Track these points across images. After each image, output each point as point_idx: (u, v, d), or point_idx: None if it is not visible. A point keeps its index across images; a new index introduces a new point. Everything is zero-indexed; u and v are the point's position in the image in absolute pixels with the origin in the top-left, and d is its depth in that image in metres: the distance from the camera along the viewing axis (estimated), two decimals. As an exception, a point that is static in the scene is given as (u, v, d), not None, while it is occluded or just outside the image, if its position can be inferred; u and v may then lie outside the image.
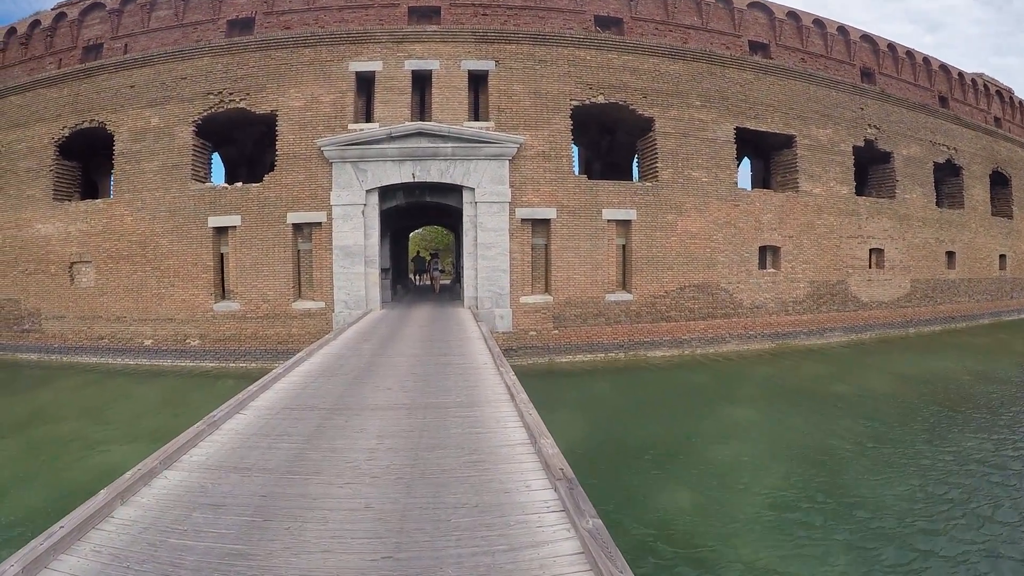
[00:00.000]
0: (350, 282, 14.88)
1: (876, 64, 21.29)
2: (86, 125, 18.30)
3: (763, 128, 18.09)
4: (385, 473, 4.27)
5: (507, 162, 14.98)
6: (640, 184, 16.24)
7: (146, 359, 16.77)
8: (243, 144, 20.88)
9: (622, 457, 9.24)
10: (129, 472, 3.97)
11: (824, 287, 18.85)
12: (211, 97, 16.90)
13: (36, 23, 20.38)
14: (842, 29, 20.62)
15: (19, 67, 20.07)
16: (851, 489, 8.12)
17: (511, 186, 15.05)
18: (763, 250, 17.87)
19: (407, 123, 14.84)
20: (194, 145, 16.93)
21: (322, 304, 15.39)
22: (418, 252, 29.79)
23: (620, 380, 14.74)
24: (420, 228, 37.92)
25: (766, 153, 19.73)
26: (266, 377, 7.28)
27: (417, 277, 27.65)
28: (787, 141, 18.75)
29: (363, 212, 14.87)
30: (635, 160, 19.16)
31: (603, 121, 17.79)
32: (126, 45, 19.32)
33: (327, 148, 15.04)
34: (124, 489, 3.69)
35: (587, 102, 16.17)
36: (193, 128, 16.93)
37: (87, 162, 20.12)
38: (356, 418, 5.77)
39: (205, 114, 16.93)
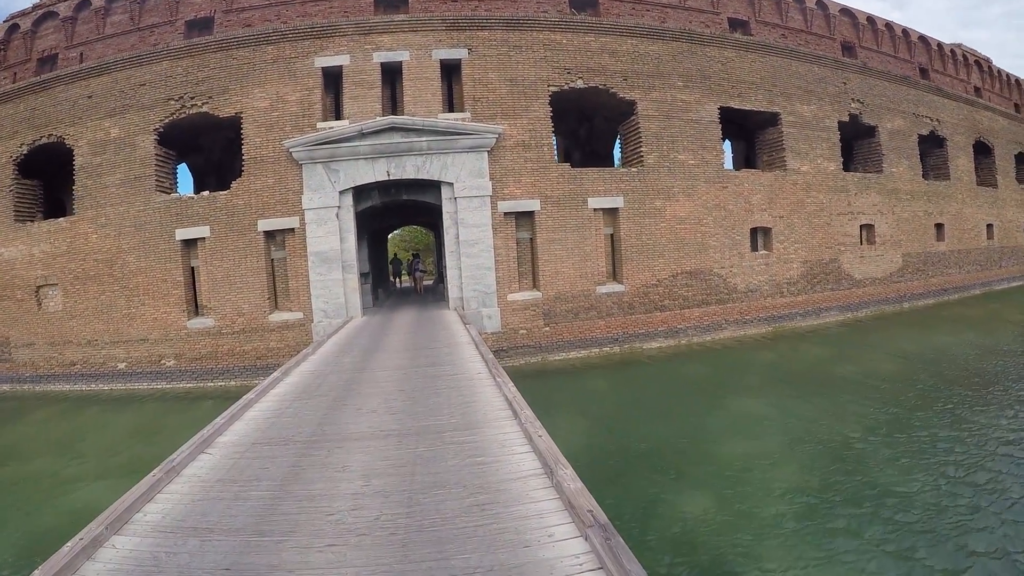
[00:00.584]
0: (328, 289, 13.77)
1: (856, 38, 20.44)
2: (44, 140, 17.01)
3: (747, 107, 17.17)
4: (374, 528, 3.40)
5: (486, 154, 13.92)
6: (625, 170, 15.25)
7: (121, 383, 15.58)
8: (210, 151, 19.60)
9: (628, 461, 8.30)
10: (68, 544, 3.11)
11: (817, 266, 18.00)
12: (172, 103, 15.68)
13: (-15, 36, 18.94)
14: (821, 3, 19.73)
15: (-31, 83, 18.64)
16: (877, 483, 7.21)
17: (492, 179, 14.00)
18: (754, 232, 16.97)
19: (379, 118, 13.73)
20: (157, 155, 15.71)
21: (300, 315, 14.27)
22: (395, 255, 28.38)
23: (617, 376, 13.80)
24: (399, 229, 36.55)
25: (750, 133, 18.84)
26: (237, 405, 6.27)
27: (398, 280, 26.42)
28: (772, 119, 17.85)
29: (337, 215, 13.76)
30: (617, 147, 18.16)
31: (582, 107, 16.76)
32: (81, 54, 18.01)
33: (295, 149, 13.88)
34: (61, 568, 2.84)
35: (566, 87, 15.13)
36: (155, 137, 15.70)
37: (50, 180, 18.77)
38: (337, 451, 4.83)
39: (167, 121, 15.72)
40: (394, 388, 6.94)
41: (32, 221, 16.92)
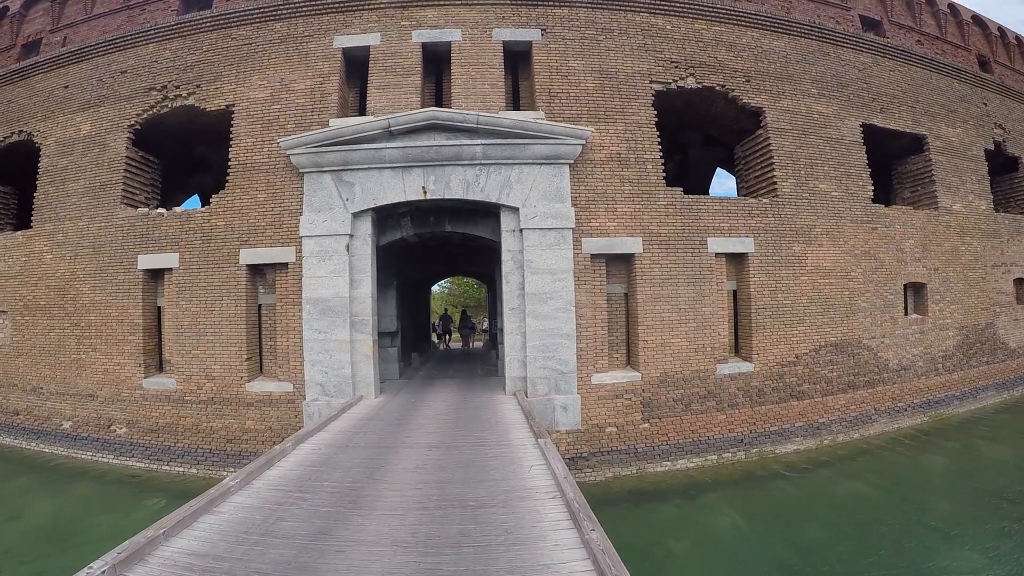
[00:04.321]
0: (328, 355, 7.81)
1: (991, 51, 14.31)
2: (15, 138, 11.52)
3: (891, 125, 11.08)
4: None
5: (567, 168, 7.97)
6: (756, 201, 9.14)
7: (63, 447, 9.83)
8: (222, 169, 13.99)
9: None
10: None
11: (973, 334, 11.62)
12: (153, 94, 10.09)
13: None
14: (952, 8, 13.65)
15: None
16: None
17: (574, 205, 7.98)
18: (905, 289, 10.66)
19: (414, 112, 7.83)
20: (129, 158, 10.13)
21: (289, 386, 8.31)
22: (446, 310, 21.72)
23: (749, 502, 7.61)
24: (444, 281, 26.05)
25: (883, 162, 12.62)
26: None
27: (446, 339, 19.40)
28: (915, 144, 11.72)
29: (347, 247, 7.87)
30: (730, 176, 12.08)
31: (688, 120, 10.77)
32: (65, 37, 12.59)
33: (296, 152, 8.09)
34: None
35: (673, 85, 9.19)
36: (129, 135, 10.14)
37: (30, 187, 13.26)
38: None
39: (145, 116, 10.15)
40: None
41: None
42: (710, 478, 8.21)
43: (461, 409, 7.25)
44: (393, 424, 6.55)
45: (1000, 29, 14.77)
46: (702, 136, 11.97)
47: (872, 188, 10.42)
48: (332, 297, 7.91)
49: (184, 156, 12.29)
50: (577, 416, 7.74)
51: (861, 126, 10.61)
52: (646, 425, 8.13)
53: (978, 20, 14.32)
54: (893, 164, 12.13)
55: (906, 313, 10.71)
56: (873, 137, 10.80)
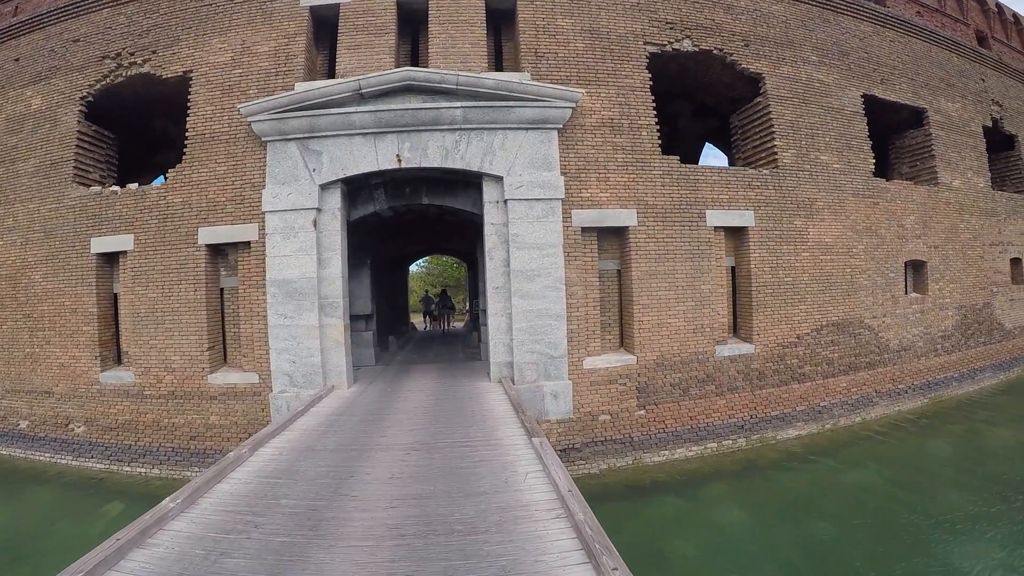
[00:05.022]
0: (296, 341, 6.86)
1: (988, 27, 13.53)
2: None
3: (891, 97, 10.29)
4: None
5: (555, 134, 7.03)
6: (756, 172, 8.29)
7: (21, 449, 8.81)
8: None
9: None
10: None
11: (971, 313, 10.98)
12: (107, 62, 8.95)
13: None
14: (951, -19, 12.83)
15: None
16: None
17: (564, 173, 7.06)
18: (905, 267, 9.94)
19: (388, 72, 6.81)
20: (81, 132, 9.00)
21: (255, 377, 7.36)
22: (427, 291, 20.58)
23: (755, 494, 6.93)
24: (422, 260, 24.57)
25: (880, 136, 11.83)
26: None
27: (428, 320, 18.30)
28: (915, 118, 10.96)
29: (315, 222, 6.88)
30: (717, 152, 11.22)
31: (679, 86, 9.82)
32: (16, 7, 11.23)
33: (257, 118, 7.06)
34: None
35: (668, 47, 8.26)
36: (81, 108, 9.02)
37: None
38: None
39: (98, 87, 9.02)
40: None
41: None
42: (710, 468, 7.44)
43: (443, 400, 6.36)
44: (367, 420, 5.65)
45: (998, 5, 14.02)
46: (692, 106, 11.07)
47: (874, 161, 9.63)
48: (299, 278, 6.94)
49: (144, 132, 11.11)
50: (569, 404, 6.90)
51: (862, 96, 9.80)
52: (642, 412, 7.32)
53: (974, -7, 13.53)
54: (891, 138, 11.36)
55: (906, 292, 9.99)
56: (870, 110, 10.00)
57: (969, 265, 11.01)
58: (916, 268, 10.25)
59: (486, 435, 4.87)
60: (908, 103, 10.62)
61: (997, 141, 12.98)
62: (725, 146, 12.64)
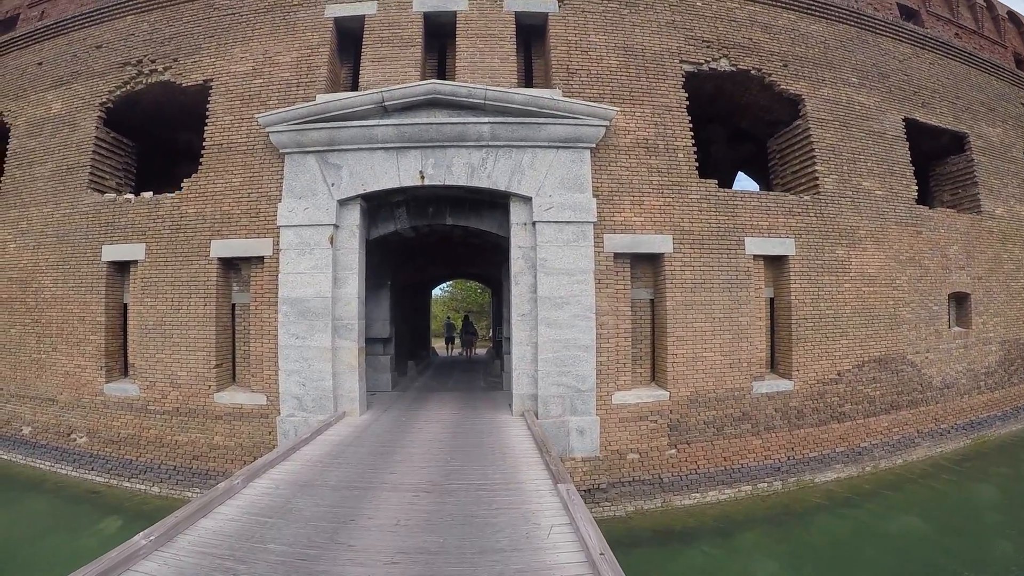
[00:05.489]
0: (306, 363, 6.33)
1: (1027, 51, 12.82)
2: None
3: (933, 121, 9.64)
4: None
5: (587, 153, 6.50)
6: (797, 198, 7.68)
7: (22, 455, 8.42)
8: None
9: None
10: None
11: (1015, 349, 10.19)
12: (128, 69, 8.64)
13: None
14: (988, 1, 12.19)
15: None
16: None
17: (596, 196, 6.48)
18: (949, 299, 9.20)
19: (412, 85, 6.33)
20: (98, 139, 8.70)
21: (263, 398, 6.83)
22: (449, 317, 19.88)
23: (793, 543, 6.25)
24: (445, 284, 23.39)
25: (919, 163, 11.14)
26: None
27: (450, 347, 17.70)
28: (955, 144, 10.29)
29: (331, 239, 6.37)
30: (750, 181, 10.62)
31: (713, 110, 9.26)
32: (43, 12, 11.07)
33: (276, 129, 6.61)
34: None
35: (705, 67, 7.73)
36: (100, 113, 8.73)
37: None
38: None
39: (118, 93, 8.72)
40: None
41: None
42: (744, 513, 6.74)
43: (460, 433, 5.77)
44: (376, 452, 5.07)
45: (1032, 27, 13.32)
46: (727, 132, 10.49)
47: (916, 188, 8.97)
48: (312, 297, 6.42)
49: (167, 143, 10.78)
50: (595, 441, 6.27)
51: (903, 120, 9.16)
52: (673, 451, 6.65)
53: (1013, 17, 12.89)
54: (931, 165, 10.67)
55: (949, 326, 9.24)
56: (909, 136, 9.35)
57: (1012, 298, 10.24)
58: (959, 301, 9.51)
59: (506, 477, 4.28)
60: (949, 127, 9.96)
61: (1037, 168, 12.22)
62: (759, 174, 12.04)
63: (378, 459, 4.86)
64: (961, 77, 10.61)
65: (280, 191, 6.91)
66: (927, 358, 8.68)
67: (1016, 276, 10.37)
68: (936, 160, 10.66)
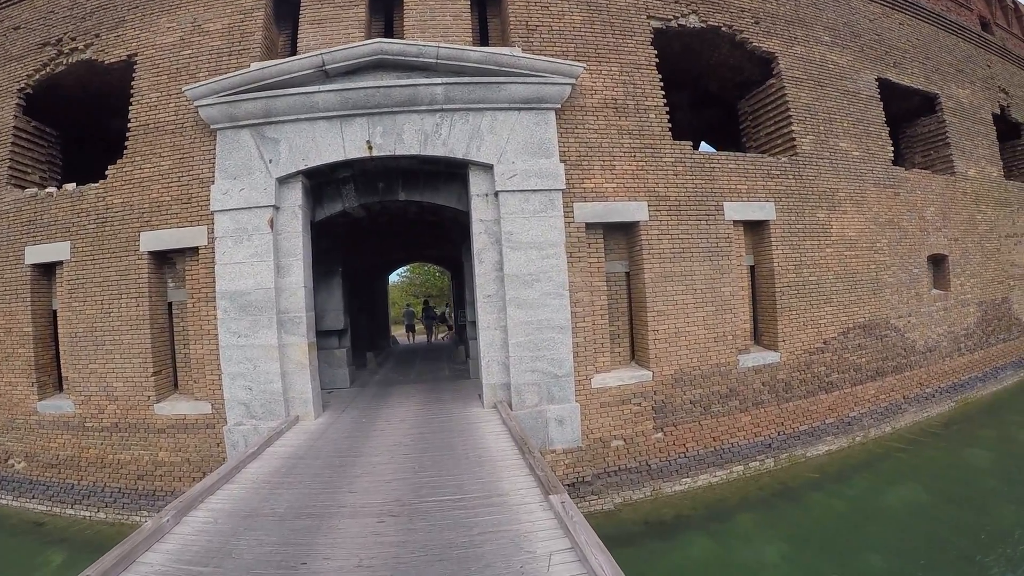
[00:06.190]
0: (252, 364, 5.42)
1: (990, 13, 12.41)
2: None
3: (905, 81, 9.12)
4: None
5: (552, 114, 5.66)
6: (775, 160, 7.02)
7: (-43, 486, 7.09)
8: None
9: None
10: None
11: (991, 309, 9.83)
12: (47, 49, 7.46)
13: None
14: (953, -35, 11.69)
15: None
16: None
17: (564, 160, 5.68)
18: (928, 261, 8.71)
19: (357, 46, 5.39)
20: (17, 128, 7.52)
21: (207, 407, 5.90)
22: (408, 305, 18.68)
23: (792, 524, 5.70)
24: (402, 269, 21.74)
25: (890, 126, 10.61)
26: None
27: (411, 335, 16.43)
28: (926, 105, 9.81)
29: (271, 222, 5.44)
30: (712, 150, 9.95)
31: (680, 72, 8.49)
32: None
33: (205, 102, 5.62)
34: None
35: (673, 23, 6.97)
36: (18, 100, 7.53)
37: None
38: None
39: (37, 77, 7.51)
40: None
41: None
42: (738, 495, 6.12)
43: (428, 433, 4.97)
44: (333, 466, 4.25)
45: (995, -9, 12.92)
46: (691, 97, 9.77)
47: (892, 149, 8.40)
48: (253, 289, 5.51)
49: (99, 134, 9.57)
50: (576, 430, 5.53)
51: (876, 80, 8.57)
52: (659, 435, 5.97)
53: (974, -20, 12.42)
54: (901, 127, 10.15)
55: (928, 288, 8.77)
56: (880, 97, 8.77)
57: (987, 258, 9.86)
58: (937, 263, 9.04)
59: (486, 487, 3.51)
60: (921, 88, 9.45)
61: (1004, 130, 11.86)
62: (723, 142, 11.33)
63: (335, 474, 4.04)
64: (930, 38, 10.09)
65: (213, 172, 5.92)
66: (909, 322, 8.18)
67: (989, 237, 9.99)
68: (905, 123, 10.15)
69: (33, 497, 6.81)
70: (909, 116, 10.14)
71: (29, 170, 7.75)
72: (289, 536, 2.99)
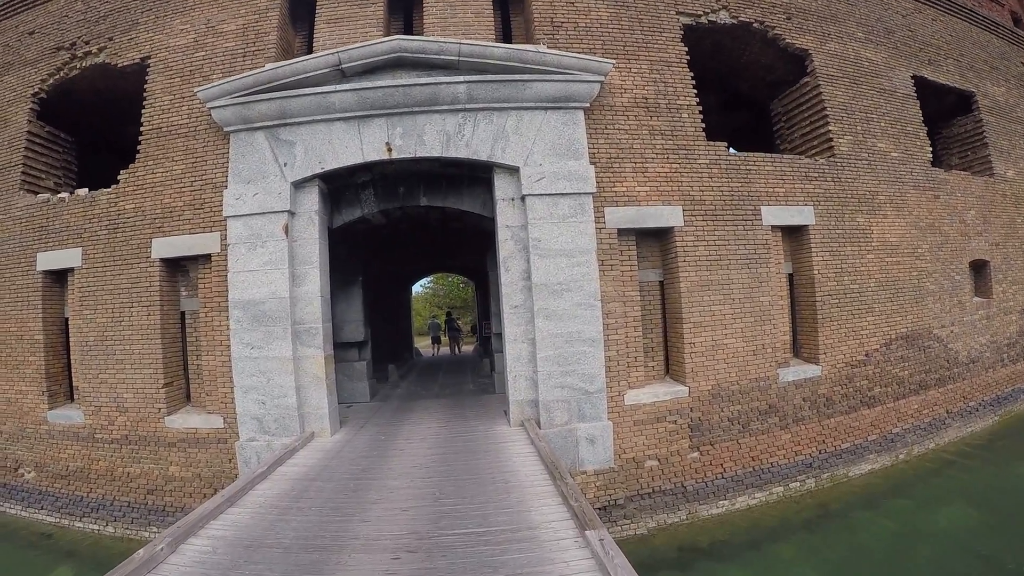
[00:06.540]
0: (266, 377, 5.03)
1: (1021, 8, 11.76)
2: None
3: (941, 79, 8.57)
4: None
5: (581, 114, 5.22)
6: (812, 162, 6.53)
7: (-33, 495, 6.81)
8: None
9: None
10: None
11: (1033, 318, 9.12)
12: (61, 54, 7.21)
13: None
14: (983, -39, 11.11)
15: None
16: None
17: (593, 162, 5.23)
18: (969, 267, 8.13)
19: (374, 44, 5.01)
20: (31, 132, 7.28)
21: (219, 421, 5.53)
22: (433, 316, 18.12)
23: (837, 550, 5.11)
24: (426, 279, 21.31)
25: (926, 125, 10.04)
26: None
27: (436, 348, 15.78)
28: (962, 104, 9.23)
29: (286, 228, 5.05)
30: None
31: (709, 71, 8.02)
32: (-28, 3, 9.40)
33: (218, 103, 5.26)
34: None
35: (704, 19, 6.53)
36: (32, 105, 7.29)
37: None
38: None
39: (51, 81, 7.28)
40: None
41: None
42: (778, 519, 5.63)
43: (450, 454, 4.55)
44: (347, 489, 3.84)
45: (1024, -13, 12.27)
46: (721, 99, 9.28)
47: (931, 150, 7.86)
48: (267, 298, 5.13)
49: (112, 138, 9.32)
50: (609, 450, 5.08)
51: (912, 78, 8.03)
52: (696, 455, 5.49)
53: (1004, -25, 11.81)
54: (936, 128, 9.57)
55: (971, 296, 8.18)
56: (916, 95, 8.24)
57: (1028, 263, 9.21)
58: (978, 269, 8.45)
59: (513, 519, 3.08)
60: (957, 86, 8.89)
61: (1037, 130, 11.20)
62: (752, 147, 10.83)
63: (349, 499, 3.64)
64: (963, 34, 9.53)
65: (226, 177, 5.57)
66: (952, 332, 7.61)
67: (1030, 240, 9.35)
68: (940, 123, 9.57)
69: (42, 508, 6.52)
70: (944, 116, 9.56)
71: (43, 175, 7.49)
72: (293, 572, 2.61)
